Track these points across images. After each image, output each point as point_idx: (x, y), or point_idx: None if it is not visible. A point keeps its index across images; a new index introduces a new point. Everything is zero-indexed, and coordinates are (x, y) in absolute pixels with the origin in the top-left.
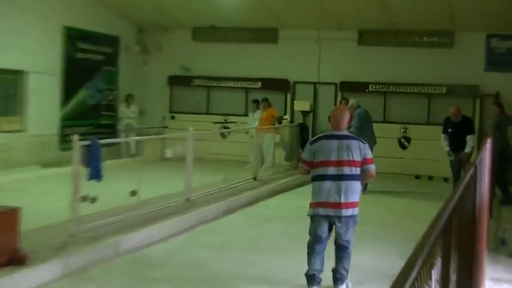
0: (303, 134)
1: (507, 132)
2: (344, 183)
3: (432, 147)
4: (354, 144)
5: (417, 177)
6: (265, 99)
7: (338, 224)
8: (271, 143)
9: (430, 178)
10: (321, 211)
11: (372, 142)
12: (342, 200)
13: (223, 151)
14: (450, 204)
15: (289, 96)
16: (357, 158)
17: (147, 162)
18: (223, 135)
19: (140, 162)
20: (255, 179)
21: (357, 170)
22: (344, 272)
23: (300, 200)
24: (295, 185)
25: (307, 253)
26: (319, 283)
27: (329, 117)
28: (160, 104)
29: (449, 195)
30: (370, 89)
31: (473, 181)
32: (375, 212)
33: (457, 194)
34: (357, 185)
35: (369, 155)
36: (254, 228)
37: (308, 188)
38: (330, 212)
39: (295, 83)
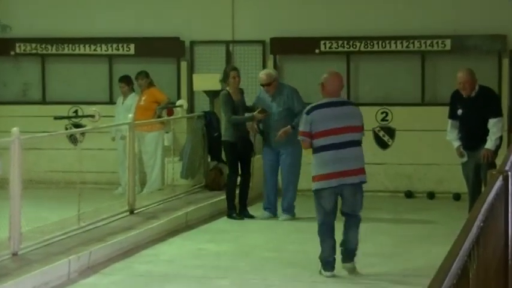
0: (212, 131)
1: None
2: (349, 150)
3: (432, 143)
4: (355, 110)
5: (408, 194)
6: (144, 74)
7: (348, 192)
8: (157, 148)
9: (431, 196)
10: (333, 182)
11: None
12: (351, 167)
13: (74, 167)
14: (463, 244)
15: (184, 66)
16: (358, 123)
17: None
18: (73, 140)
19: None
20: (131, 212)
21: (359, 136)
22: (356, 245)
23: (211, 244)
24: (200, 218)
25: (320, 233)
26: (334, 267)
27: (322, 83)
28: None
29: (462, 228)
30: (323, 49)
31: (504, 200)
32: None
33: (474, 224)
34: (361, 151)
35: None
36: None
37: (222, 225)
38: (342, 181)
39: (193, 43)
